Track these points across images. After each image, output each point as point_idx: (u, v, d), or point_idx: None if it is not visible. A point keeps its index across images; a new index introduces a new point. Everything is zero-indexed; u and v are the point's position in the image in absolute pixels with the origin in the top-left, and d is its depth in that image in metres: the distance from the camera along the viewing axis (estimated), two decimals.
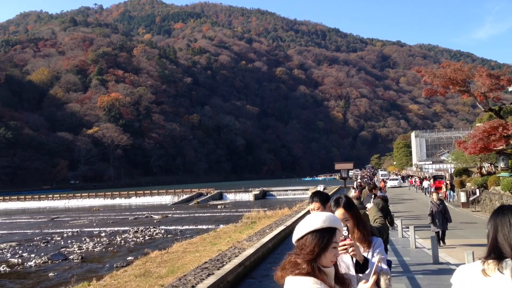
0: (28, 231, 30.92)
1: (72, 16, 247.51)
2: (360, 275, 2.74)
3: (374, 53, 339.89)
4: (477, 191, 26.37)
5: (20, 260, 18.81)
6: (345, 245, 2.63)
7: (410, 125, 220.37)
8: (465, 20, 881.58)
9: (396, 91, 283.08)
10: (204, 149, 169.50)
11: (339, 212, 3.16)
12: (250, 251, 12.72)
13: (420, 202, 30.83)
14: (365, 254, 2.97)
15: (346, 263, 2.83)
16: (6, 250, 21.86)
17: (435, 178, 39.01)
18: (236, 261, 11.23)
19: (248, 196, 56.66)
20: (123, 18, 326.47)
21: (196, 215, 38.05)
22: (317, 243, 2.06)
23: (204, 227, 27.79)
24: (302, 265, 2.04)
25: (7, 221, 40.80)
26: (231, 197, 57.95)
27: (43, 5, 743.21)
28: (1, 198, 67.25)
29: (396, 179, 60.02)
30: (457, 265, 8.50)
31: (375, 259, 2.84)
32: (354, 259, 2.77)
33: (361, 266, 2.72)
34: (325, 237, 2.07)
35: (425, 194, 37.85)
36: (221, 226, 24.37)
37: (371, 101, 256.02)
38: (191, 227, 28.62)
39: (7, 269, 16.91)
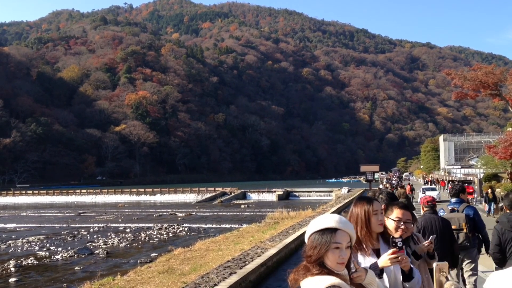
0: (56, 225, 31.57)
1: (102, 15, 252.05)
2: (407, 285, 2.78)
3: (402, 54, 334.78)
4: None
5: (47, 253, 19.22)
6: (397, 256, 2.63)
7: (439, 129, 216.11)
8: (497, 20, 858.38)
9: (424, 93, 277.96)
10: (229, 148, 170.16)
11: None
12: (272, 251, 12.67)
13: None
14: None
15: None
16: (34, 243, 22.38)
17: (463, 183, 36.46)
18: (258, 261, 11.21)
19: (271, 196, 56.45)
20: (152, 17, 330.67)
21: (219, 214, 38.18)
22: (317, 244, 2.04)
23: (227, 226, 27.80)
24: (313, 268, 2.01)
25: (36, 214, 41.80)
26: (254, 197, 57.87)
27: (75, 3, 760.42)
28: (31, 192, 69.20)
29: (434, 189, 35.25)
30: (487, 272, 8.27)
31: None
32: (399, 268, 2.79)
33: (407, 275, 2.78)
34: (323, 237, 2.04)
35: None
36: (244, 225, 24.37)
37: (399, 103, 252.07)
38: (214, 225, 28.70)
39: (35, 262, 17.30)
